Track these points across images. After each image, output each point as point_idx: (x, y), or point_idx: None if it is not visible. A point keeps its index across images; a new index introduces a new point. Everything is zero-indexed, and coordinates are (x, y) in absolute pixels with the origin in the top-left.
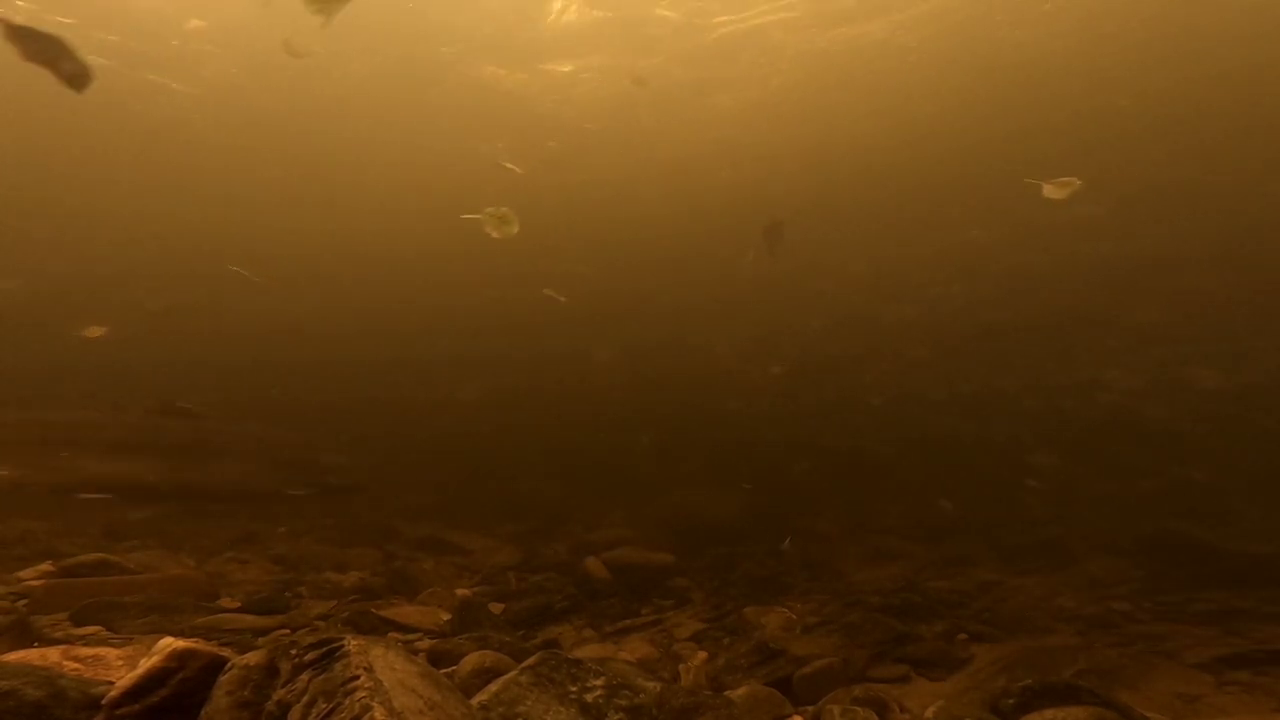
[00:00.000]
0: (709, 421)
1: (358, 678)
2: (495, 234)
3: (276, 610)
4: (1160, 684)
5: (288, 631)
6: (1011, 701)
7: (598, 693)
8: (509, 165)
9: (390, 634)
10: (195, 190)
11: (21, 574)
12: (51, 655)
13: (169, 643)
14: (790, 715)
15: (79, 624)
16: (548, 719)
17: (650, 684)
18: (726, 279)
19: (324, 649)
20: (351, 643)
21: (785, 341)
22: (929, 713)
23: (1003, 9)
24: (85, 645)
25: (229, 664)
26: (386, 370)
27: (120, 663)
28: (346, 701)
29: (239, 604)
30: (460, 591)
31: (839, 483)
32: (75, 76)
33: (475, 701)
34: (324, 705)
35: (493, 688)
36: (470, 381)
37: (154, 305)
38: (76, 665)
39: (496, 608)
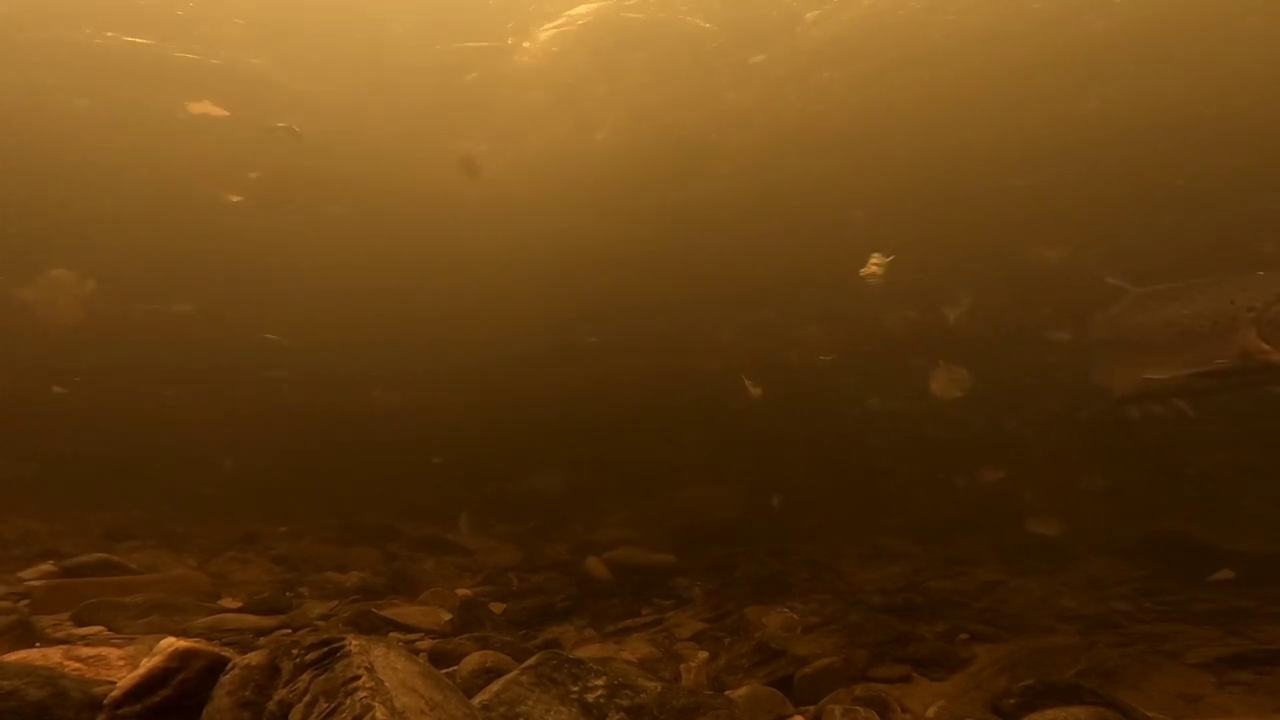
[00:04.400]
0: None
1: (359, 677)
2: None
3: (278, 610)
4: (1162, 684)
5: (289, 631)
6: (1013, 701)
7: (599, 692)
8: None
9: (391, 634)
10: None
11: (23, 574)
12: (53, 655)
13: (170, 643)
14: (791, 715)
15: (81, 624)
16: (549, 718)
17: (651, 684)
18: None
19: (325, 649)
20: (353, 643)
21: None
22: (930, 712)
23: None
24: (87, 645)
25: (230, 664)
26: None
27: (122, 663)
28: (348, 701)
29: (240, 604)
30: (461, 591)
31: None
32: None
33: (476, 701)
34: (325, 705)
35: (494, 687)
36: None
37: None
38: (78, 665)
39: (497, 607)
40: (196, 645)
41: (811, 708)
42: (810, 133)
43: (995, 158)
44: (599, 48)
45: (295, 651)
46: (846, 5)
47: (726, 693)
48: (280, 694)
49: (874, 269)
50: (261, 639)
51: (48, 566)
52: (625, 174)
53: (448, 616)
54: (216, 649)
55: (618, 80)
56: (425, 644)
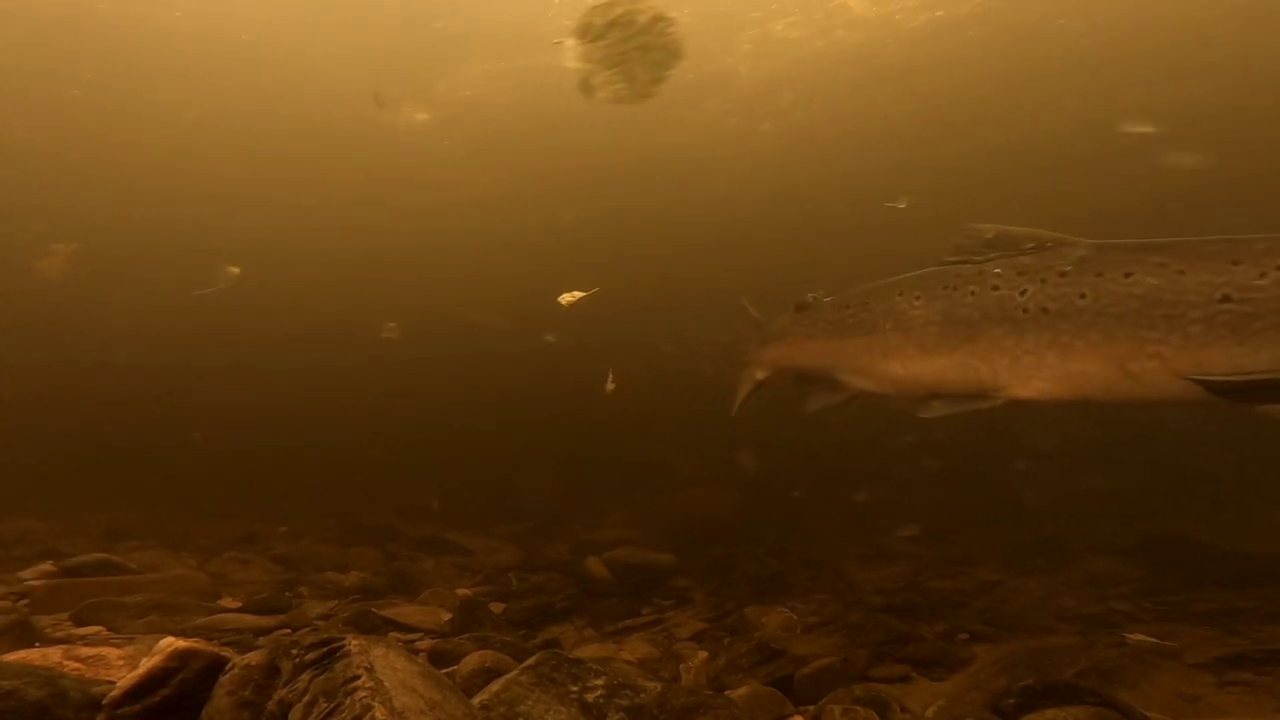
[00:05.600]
0: None
1: (359, 677)
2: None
3: (277, 610)
4: (1161, 684)
5: (289, 631)
6: (1013, 701)
7: (598, 692)
8: None
9: (391, 634)
10: None
11: (22, 574)
12: (53, 655)
13: (170, 642)
14: (791, 715)
15: (80, 624)
16: (548, 718)
17: (651, 684)
18: None
19: (325, 649)
20: (352, 642)
21: None
22: (930, 712)
23: None
24: (86, 645)
25: (230, 664)
26: None
27: (121, 663)
28: (348, 701)
29: (240, 604)
30: (461, 591)
31: None
32: None
33: (476, 701)
34: (325, 705)
35: (493, 687)
36: None
37: None
38: (78, 665)
39: (497, 607)
40: (196, 645)
41: (811, 708)
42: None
43: None
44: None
45: (295, 651)
46: None
47: (726, 693)
48: (280, 694)
49: (566, 300)
50: (261, 639)
51: (47, 566)
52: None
53: (447, 616)
54: (216, 649)
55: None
56: (425, 644)
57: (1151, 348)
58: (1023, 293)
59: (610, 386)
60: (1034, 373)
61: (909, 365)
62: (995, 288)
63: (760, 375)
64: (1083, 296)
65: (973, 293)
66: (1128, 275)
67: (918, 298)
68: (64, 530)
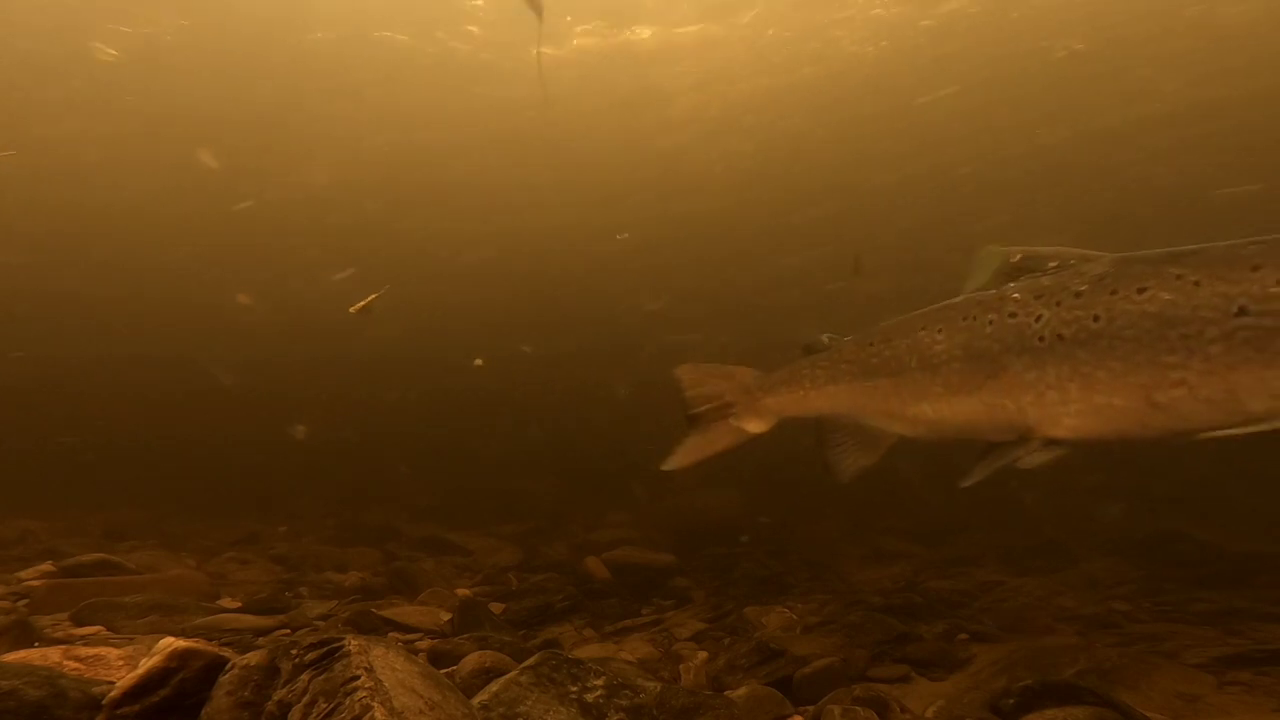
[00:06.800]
0: None
1: (358, 678)
2: None
3: (277, 610)
4: (1161, 684)
5: (288, 631)
6: (1012, 701)
7: (598, 692)
8: None
9: (391, 634)
10: None
11: (22, 574)
12: (52, 655)
13: (169, 643)
14: (790, 715)
15: (80, 624)
16: (548, 719)
17: (651, 684)
18: None
19: (324, 649)
20: (352, 643)
21: None
22: (929, 712)
23: None
24: (86, 645)
25: (229, 664)
26: None
27: (121, 663)
28: (347, 701)
29: (239, 604)
30: (461, 591)
31: None
32: None
33: (475, 701)
34: (324, 705)
35: (493, 687)
36: None
37: None
38: (77, 665)
39: (497, 608)
40: (195, 645)
41: (811, 708)
42: None
43: None
44: None
45: (294, 652)
46: None
47: (726, 693)
48: (279, 694)
49: (356, 309)
50: (261, 639)
51: (47, 566)
52: None
53: (447, 616)
54: (215, 649)
55: None
56: (424, 644)
57: (1175, 374)
58: (1038, 319)
59: (477, 363)
60: (1060, 409)
61: (938, 406)
62: (1012, 315)
63: (756, 428)
64: (1096, 319)
65: (991, 322)
66: (1141, 291)
67: (940, 331)
68: (64, 530)
